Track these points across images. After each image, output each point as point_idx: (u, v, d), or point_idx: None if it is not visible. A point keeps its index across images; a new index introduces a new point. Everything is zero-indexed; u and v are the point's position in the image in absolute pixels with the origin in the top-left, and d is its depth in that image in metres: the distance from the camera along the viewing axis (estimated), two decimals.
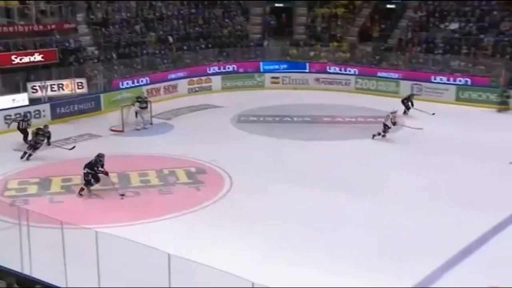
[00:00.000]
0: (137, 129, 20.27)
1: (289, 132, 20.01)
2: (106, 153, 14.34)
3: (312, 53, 29.10)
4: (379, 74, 26.74)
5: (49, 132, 17.21)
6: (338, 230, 11.97)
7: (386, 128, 18.60)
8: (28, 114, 19.91)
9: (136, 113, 20.46)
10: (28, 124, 18.55)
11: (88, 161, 13.95)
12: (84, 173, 13.86)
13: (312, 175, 15.34)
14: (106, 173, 13.90)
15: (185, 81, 26.45)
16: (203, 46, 28.42)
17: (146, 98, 21.38)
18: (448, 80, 24.79)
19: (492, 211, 12.83)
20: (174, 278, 8.14)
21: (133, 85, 24.65)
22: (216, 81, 27.29)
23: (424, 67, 26.20)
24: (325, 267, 10.40)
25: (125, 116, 20.16)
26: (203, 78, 26.97)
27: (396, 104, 23.16)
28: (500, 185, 14.56)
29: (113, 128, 20.17)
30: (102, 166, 13.81)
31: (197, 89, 26.65)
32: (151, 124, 20.83)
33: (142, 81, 25.10)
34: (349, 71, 27.43)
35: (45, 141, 17.04)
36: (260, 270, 9.62)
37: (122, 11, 27.78)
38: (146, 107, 20.66)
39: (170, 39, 27.83)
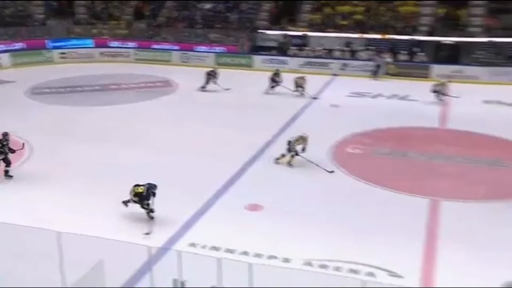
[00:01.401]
0: None
1: (81, 100, 19.02)
2: None
3: (94, 31, 27.64)
4: (153, 46, 26.71)
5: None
6: (126, 177, 11.70)
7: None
8: None
9: None
10: None
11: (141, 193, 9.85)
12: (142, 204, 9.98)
13: (105, 134, 14.99)
14: (151, 210, 9.88)
15: None
16: None
17: None
18: (208, 49, 25.94)
19: (246, 149, 13.75)
20: None
21: None
22: (5, 58, 24.28)
23: (189, 39, 26.88)
24: (109, 210, 10.15)
25: None
26: None
27: (167, 71, 23.68)
28: (255, 127, 15.77)
29: None
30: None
31: None
32: None
33: None
34: (128, 44, 26.84)
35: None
36: (68, 222, 9.39)
37: None
38: None
39: None
